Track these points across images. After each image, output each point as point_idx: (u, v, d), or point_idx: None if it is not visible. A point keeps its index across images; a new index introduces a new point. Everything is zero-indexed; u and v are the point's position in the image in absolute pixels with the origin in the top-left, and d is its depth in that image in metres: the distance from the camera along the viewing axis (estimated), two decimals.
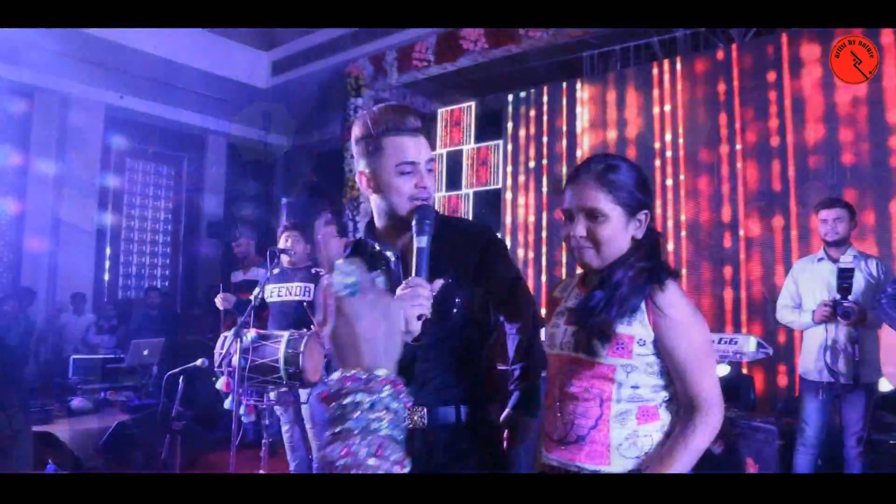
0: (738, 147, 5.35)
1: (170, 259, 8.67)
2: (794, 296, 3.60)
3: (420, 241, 1.48)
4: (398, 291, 1.40)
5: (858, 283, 3.32)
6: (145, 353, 5.32)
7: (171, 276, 8.66)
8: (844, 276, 3.24)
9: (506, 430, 1.76)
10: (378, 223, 1.69)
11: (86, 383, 5.46)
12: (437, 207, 1.58)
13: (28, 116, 7.11)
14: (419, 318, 1.35)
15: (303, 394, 3.86)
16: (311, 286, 3.94)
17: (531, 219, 6.78)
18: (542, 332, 1.68)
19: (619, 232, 1.46)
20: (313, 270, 4.01)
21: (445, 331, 1.62)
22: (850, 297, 3.23)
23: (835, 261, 3.43)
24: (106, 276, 7.98)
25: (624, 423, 1.42)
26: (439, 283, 1.43)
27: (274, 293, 4.02)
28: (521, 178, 6.91)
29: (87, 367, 5.65)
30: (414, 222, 1.51)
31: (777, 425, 3.60)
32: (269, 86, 7.61)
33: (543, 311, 3.89)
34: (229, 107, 8.09)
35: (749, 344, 2.81)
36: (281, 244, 4.02)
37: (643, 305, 1.42)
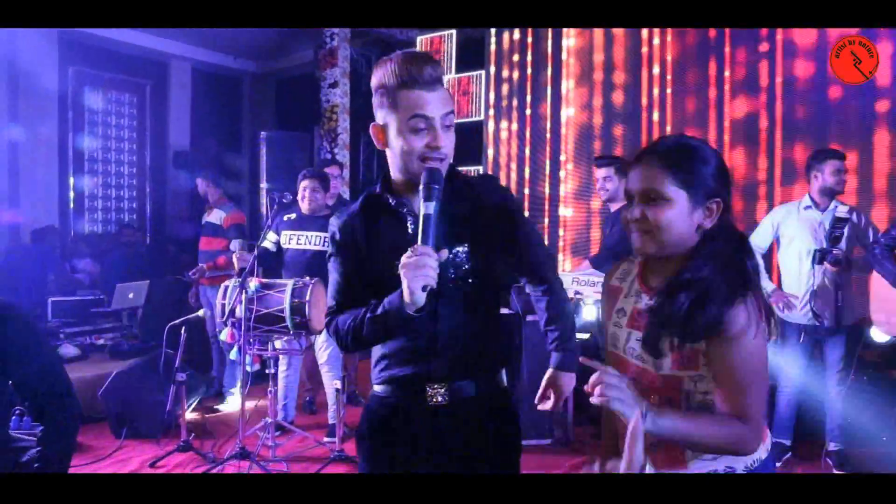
0: (727, 88, 5.33)
1: (136, 191, 8.34)
2: (767, 238, 3.65)
3: (427, 208, 1.39)
4: (402, 259, 1.35)
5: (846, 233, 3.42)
6: (130, 296, 5.18)
7: (138, 209, 8.35)
8: (838, 226, 3.32)
9: (550, 388, 1.79)
10: (394, 178, 1.59)
11: (67, 327, 5.31)
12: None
13: None
14: (424, 289, 1.32)
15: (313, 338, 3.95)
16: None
17: (514, 151, 6.71)
18: (602, 326, 1.65)
19: (681, 218, 1.30)
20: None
21: (463, 300, 1.56)
22: (839, 246, 3.34)
23: (823, 209, 3.49)
24: (71, 208, 7.63)
25: None
26: (445, 253, 1.39)
27: (292, 240, 4.10)
28: (504, 110, 6.79)
29: (67, 309, 5.47)
30: (422, 186, 1.41)
31: None
32: None
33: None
34: (192, 30, 7.62)
35: None
36: (302, 193, 4.10)
37: None
